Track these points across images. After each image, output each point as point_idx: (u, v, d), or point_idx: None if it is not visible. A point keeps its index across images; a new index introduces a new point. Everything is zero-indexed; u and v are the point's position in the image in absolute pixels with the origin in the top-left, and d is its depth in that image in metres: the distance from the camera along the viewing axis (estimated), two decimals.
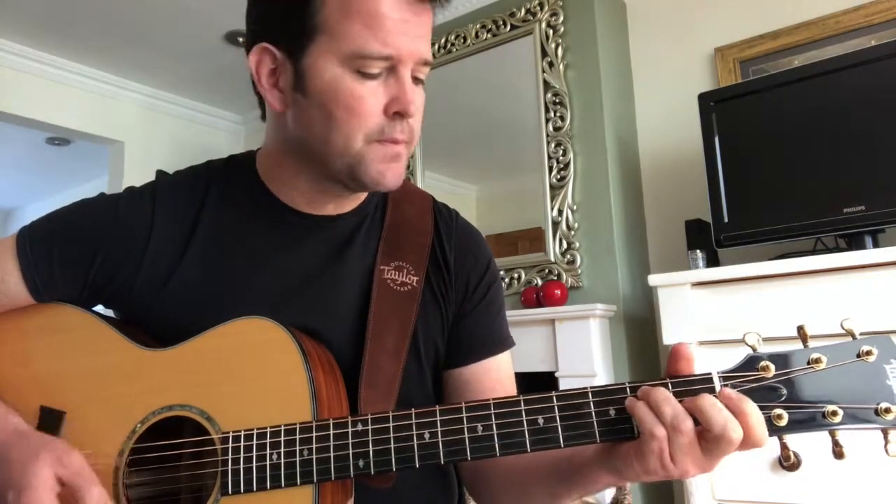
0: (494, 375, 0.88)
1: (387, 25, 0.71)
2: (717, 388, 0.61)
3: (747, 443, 0.59)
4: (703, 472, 0.61)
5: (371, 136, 0.74)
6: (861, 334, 0.62)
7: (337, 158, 0.75)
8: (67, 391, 0.76)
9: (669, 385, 0.62)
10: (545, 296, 2.33)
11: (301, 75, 0.75)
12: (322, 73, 0.73)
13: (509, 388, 0.89)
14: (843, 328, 0.61)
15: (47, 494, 0.64)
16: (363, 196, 0.88)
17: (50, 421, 0.75)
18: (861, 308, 1.62)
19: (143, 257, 0.80)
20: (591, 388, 0.64)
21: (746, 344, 0.63)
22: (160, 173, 0.85)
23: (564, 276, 2.43)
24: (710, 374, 0.62)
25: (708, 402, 0.59)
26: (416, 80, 0.76)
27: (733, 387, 0.61)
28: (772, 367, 0.61)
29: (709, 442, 0.59)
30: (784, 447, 0.62)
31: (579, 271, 2.41)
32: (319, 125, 0.75)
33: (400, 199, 0.91)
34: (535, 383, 2.32)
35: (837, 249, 1.89)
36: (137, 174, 3.59)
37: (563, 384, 2.22)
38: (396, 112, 0.74)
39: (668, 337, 1.84)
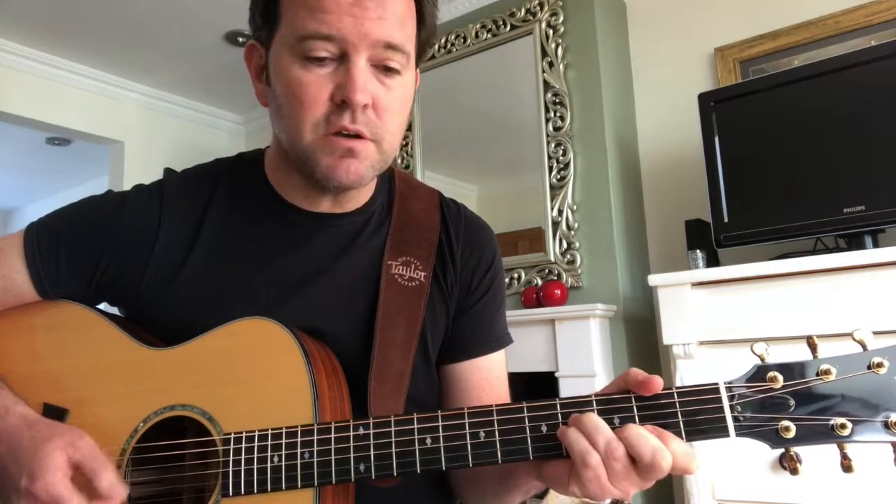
0: (484, 374, 0.87)
1: (326, 5, 0.69)
2: (723, 397, 0.61)
3: (675, 470, 0.59)
4: (642, 489, 0.61)
5: (319, 126, 0.72)
6: (874, 335, 0.61)
7: (293, 150, 0.75)
8: (70, 389, 0.76)
9: (675, 395, 0.62)
10: (545, 296, 2.33)
11: (268, 68, 0.76)
12: (277, 62, 0.73)
13: (498, 387, 0.88)
14: (853, 338, 0.60)
15: (60, 478, 0.64)
16: (367, 193, 0.87)
17: (53, 418, 0.74)
18: (861, 308, 1.62)
19: (149, 256, 0.79)
20: (595, 396, 0.63)
21: (754, 353, 0.61)
22: (168, 171, 0.85)
23: (564, 276, 2.44)
24: (716, 384, 0.61)
25: (634, 432, 0.59)
26: (386, 69, 0.73)
27: (740, 397, 0.61)
28: (780, 377, 0.60)
29: (640, 469, 0.59)
30: (790, 459, 0.61)
31: (579, 271, 2.41)
32: (280, 115, 0.75)
33: (407, 195, 0.90)
34: (535, 383, 2.32)
35: (837, 249, 1.89)
36: (137, 174, 3.60)
37: (563, 384, 2.22)
38: (343, 100, 0.70)
39: (668, 337, 1.85)
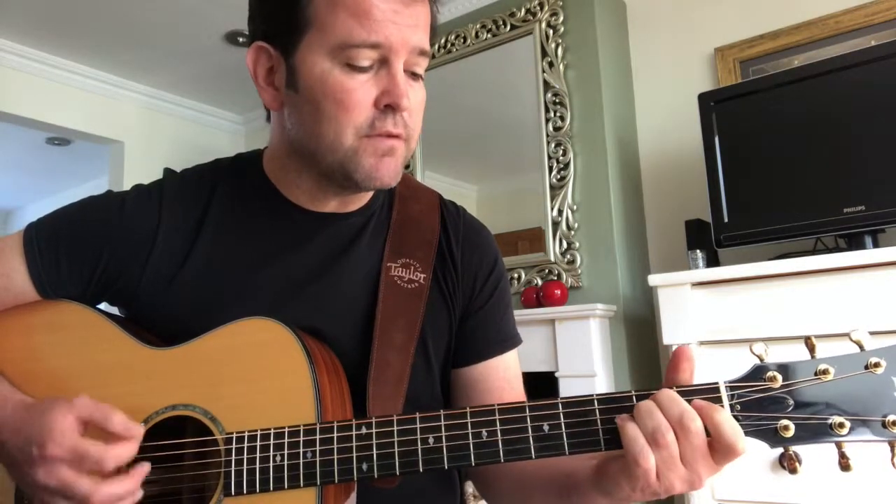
0: (502, 374, 0.88)
1: (374, 14, 0.70)
2: (724, 397, 0.61)
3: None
4: (693, 487, 0.60)
5: (362, 130, 0.73)
6: (870, 334, 0.61)
7: (329, 154, 0.75)
8: (71, 388, 0.76)
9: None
10: (545, 296, 2.33)
11: (293, 72, 0.75)
12: (312, 67, 0.73)
13: (516, 387, 0.89)
14: (851, 339, 0.60)
15: (70, 434, 0.65)
16: (369, 194, 0.87)
17: None
18: (861, 308, 1.62)
19: (148, 256, 0.80)
20: (597, 395, 0.64)
21: (753, 353, 0.62)
22: (167, 171, 0.86)
23: (564, 276, 2.44)
24: (716, 383, 0.62)
25: (720, 412, 0.59)
26: (413, 74, 0.76)
27: (740, 396, 0.61)
28: (779, 377, 0.60)
29: (716, 451, 0.59)
30: (789, 458, 0.61)
31: (579, 271, 2.41)
32: (311, 121, 0.75)
33: (407, 197, 0.90)
34: (536, 383, 2.33)
35: (837, 249, 1.89)
36: (137, 174, 3.60)
37: (563, 384, 2.22)
38: (388, 105, 0.73)
39: (668, 337, 1.85)
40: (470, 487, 1.07)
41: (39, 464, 0.65)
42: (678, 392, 0.62)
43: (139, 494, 0.67)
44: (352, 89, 0.72)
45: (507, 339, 0.90)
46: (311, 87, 0.74)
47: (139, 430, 0.68)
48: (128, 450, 0.67)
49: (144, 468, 0.67)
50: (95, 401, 0.68)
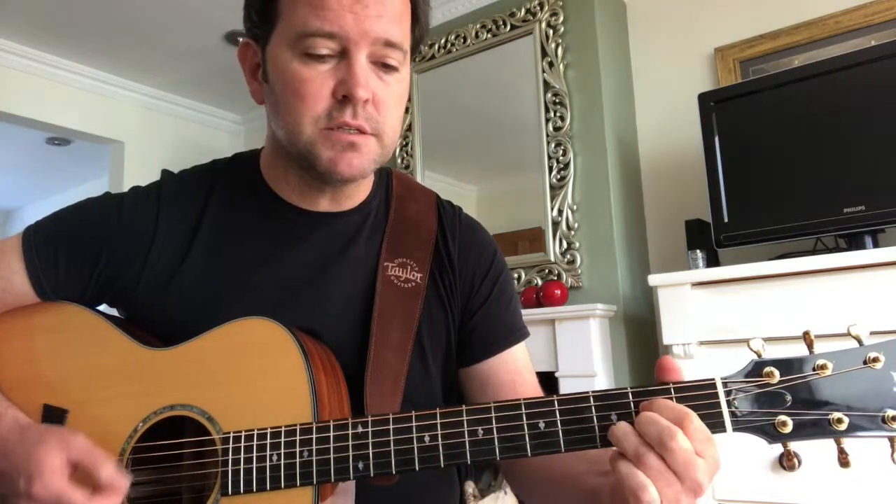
0: (512, 367, 0.88)
1: (329, 4, 0.70)
2: (720, 393, 0.60)
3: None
4: (696, 495, 0.58)
5: (319, 121, 0.73)
6: (870, 333, 0.60)
7: (293, 145, 0.75)
8: (70, 390, 0.76)
9: (672, 390, 0.61)
10: (545, 296, 2.33)
11: (265, 64, 0.77)
12: (275, 59, 0.74)
13: (528, 378, 0.89)
14: (850, 334, 0.59)
15: (59, 477, 0.64)
16: (364, 192, 0.87)
17: (52, 419, 0.75)
18: (861, 308, 1.62)
19: (146, 257, 0.80)
20: (593, 392, 0.63)
21: (751, 349, 0.61)
22: (165, 172, 0.87)
23: (564, 276, 2.44)
24: (712, 380, 0.61)
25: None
26: (386, 66, 0.75)
27: (737, 392, 0.60)
28: (776, 373, 0.60)
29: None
30: (788, 456, 0.61)
31: (579, 271, 2.41)
32: (278, 112, 0.76)
33: (404, 196, 0.90)
34: None
35: (837, 249, 1.89)
36: (137, 174, 3.60)
37: (563, 384, 2.22)
38: (345, 95, 0.72)
39: (668, 337, 1.85)
40: (470, 487, 1.07)
41: (24, 499, 0.65)
42: (674, 389, 0.61)
43: None
44: (308, 79, 0.72)
45: (512, 333, 0.89)
46: (275, 79, 0.75)
47: (125, 483, 0.67)
48: (111, 503, 0.66)
49: None
50: (91, 444, 0.67)
